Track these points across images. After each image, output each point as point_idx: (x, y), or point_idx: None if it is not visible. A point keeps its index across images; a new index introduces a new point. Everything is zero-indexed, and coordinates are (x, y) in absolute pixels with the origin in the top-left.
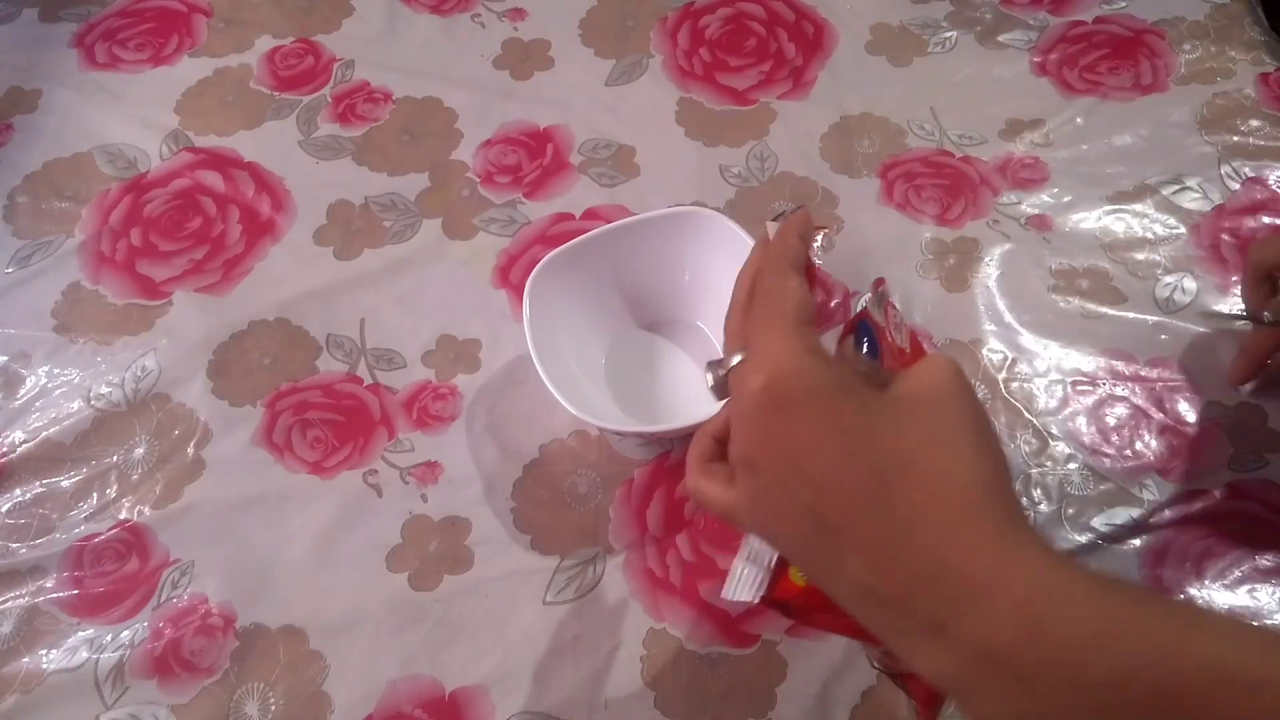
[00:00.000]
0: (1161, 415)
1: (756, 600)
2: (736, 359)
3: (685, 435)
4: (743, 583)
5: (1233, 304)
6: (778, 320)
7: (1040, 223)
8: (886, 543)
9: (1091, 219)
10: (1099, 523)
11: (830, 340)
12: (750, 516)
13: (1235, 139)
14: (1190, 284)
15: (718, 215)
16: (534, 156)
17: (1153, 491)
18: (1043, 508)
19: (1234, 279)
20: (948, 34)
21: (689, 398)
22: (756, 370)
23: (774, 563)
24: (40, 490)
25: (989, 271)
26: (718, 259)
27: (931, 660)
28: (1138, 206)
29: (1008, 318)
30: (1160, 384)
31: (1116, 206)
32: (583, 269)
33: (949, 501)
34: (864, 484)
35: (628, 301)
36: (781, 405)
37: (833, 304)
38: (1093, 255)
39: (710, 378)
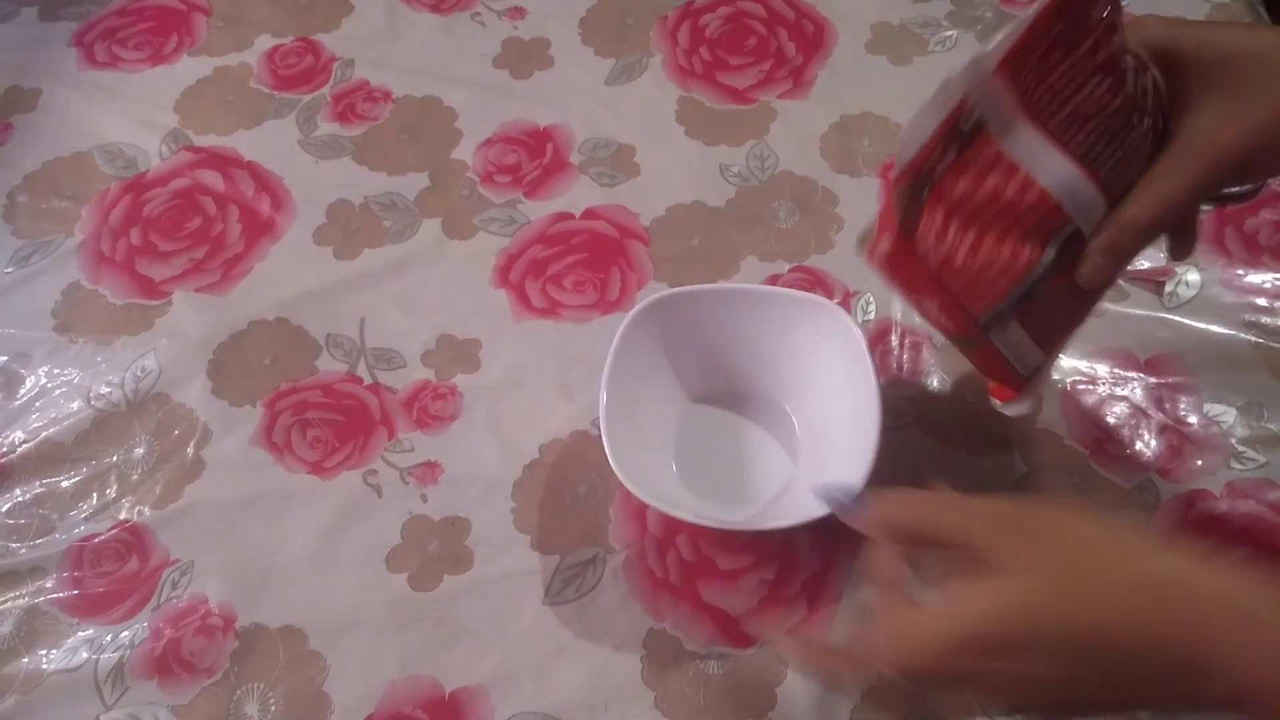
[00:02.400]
0: (1161, 415)
1: None
2: None
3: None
4: None
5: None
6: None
7: None
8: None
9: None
10: None
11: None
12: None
13: None
14: (1194, 277)
15: (840, 311)
16: (534, 156)
17: (1152, 491)
18: None
19: (1239, 271)
20: (948, 33)
21: (761, 480)
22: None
23: None
24: (40, 490)
25: None
26: (824, 349)
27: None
28: None
29: None
30: (1160, 383)
31: None
32: (679, 321)
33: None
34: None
35: (711, 367)
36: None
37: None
38: None
39: None
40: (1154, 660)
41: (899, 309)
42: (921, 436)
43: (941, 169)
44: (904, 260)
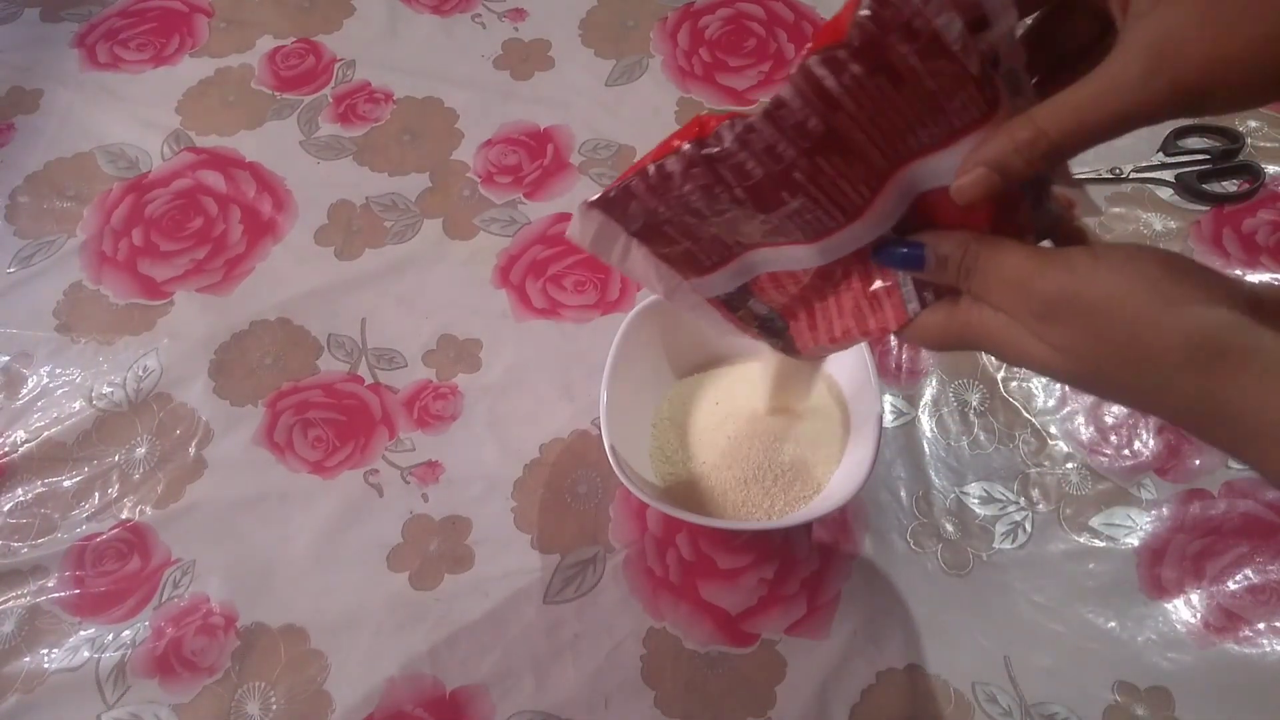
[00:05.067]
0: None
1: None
2: None
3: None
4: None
5: None
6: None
7: None
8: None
9: (1091, 216)
10: (1097, 522)
11: None
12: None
13: None
14: None
15: None
16: (534, 157)
17: (1150, 491)
18: (1041, 507)
19: (1237, 272)
20: None
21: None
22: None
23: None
24: (42, 490)
25: None
26: None
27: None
28: (1138, 204)
29: None
30: None
31: (1116, 205)
32: (679, 322)
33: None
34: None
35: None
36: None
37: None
38: None
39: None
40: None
41: None
42: (921, 434)
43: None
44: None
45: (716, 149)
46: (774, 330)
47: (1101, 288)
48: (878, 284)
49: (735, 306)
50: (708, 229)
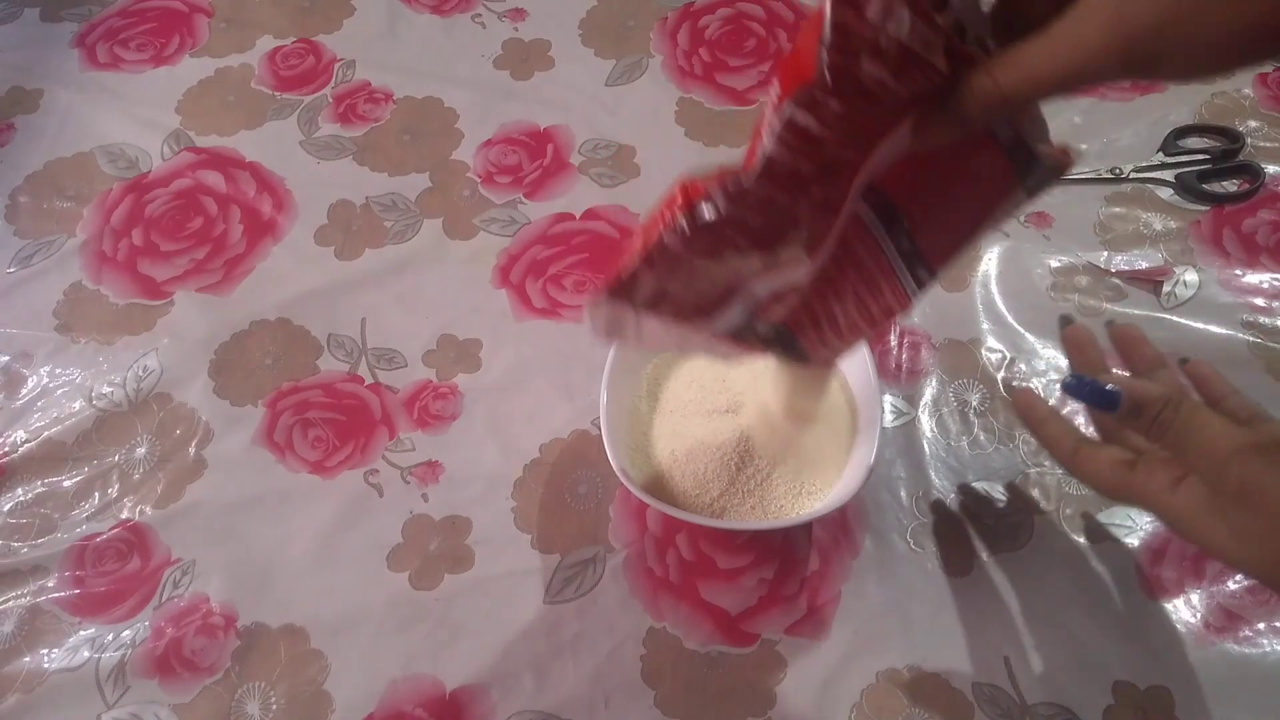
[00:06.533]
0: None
1: None
2: None
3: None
4: None
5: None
6: None
7: (1040, 219)
8: None
9: (1091, 216)
10: (1097, 522)
11: None
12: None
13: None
14: (1192, 277)
15: None
16: (534, 156)
17: None
18: (1042, 507)
19: (1237, 272)
20: None
21: None
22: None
23: None
24: (42, 490)
25: (988, 270)
26: None
27: None
28: (1138, 204)
29: (1007, 317)
30: None
31: (1116, 205)
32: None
33: None
34: None
35: None
36: None
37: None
38: (1092, 251)
39: None
40: None
41: None
42: (921, 434)
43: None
44: None
45: (714, 218)
46: (784, 343)
47: None
48: (875, 275)
49: (743, 334)
50: (712, 277)
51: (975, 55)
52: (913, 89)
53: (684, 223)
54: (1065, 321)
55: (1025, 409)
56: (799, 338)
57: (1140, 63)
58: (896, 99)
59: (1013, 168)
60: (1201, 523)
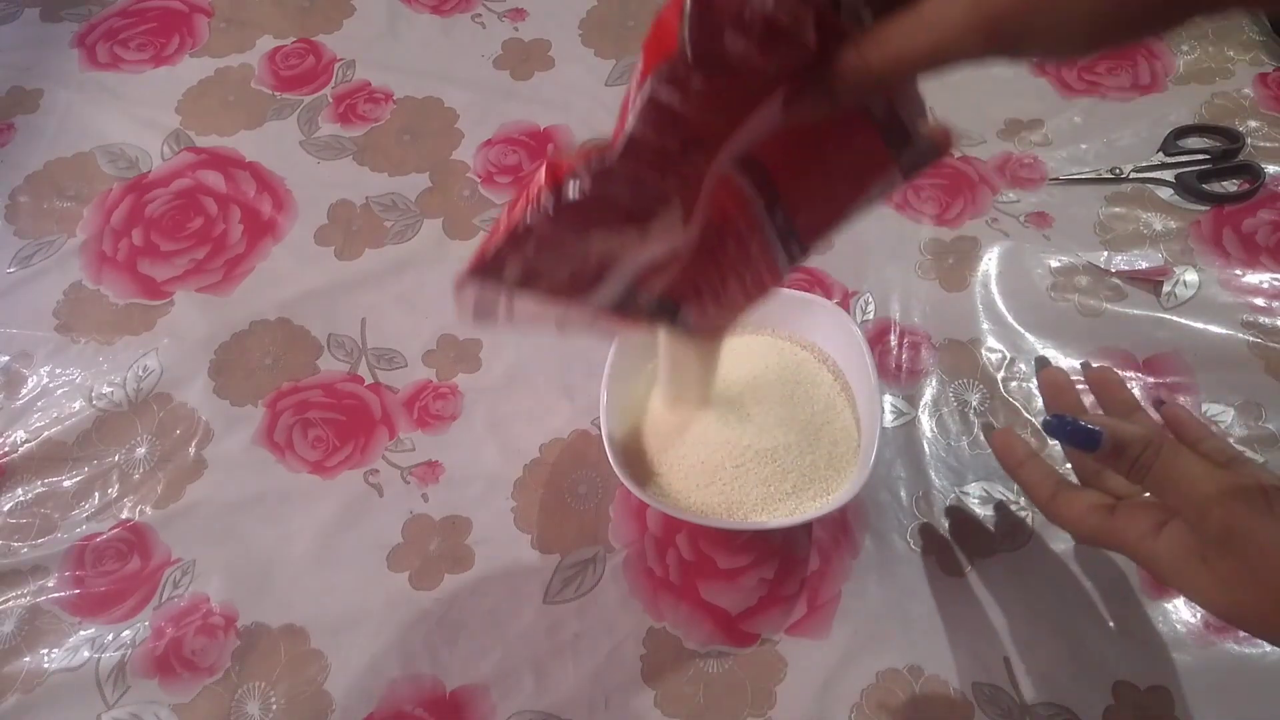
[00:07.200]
0: (1159, 416)
1: None
2: None
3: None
4: None
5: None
6: None
7: (1040, 219)
8: None
9: (1091, 216)
10: None
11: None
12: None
13: None
14: (1192, 277)
15: (840, 311)
16: (534, 157)
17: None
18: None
19: (1237, 272)
20: None
21: None
22: None
23: None
24: (42, 490)
25: (988, 270)
26: (824, 349)
27: None
28: (1137, 204)
29: (1007, 317)
30: (1158, 383)
31: (1116, 205)
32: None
33: None
34: None
35: None
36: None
37: (834, 301)
38: (1092, 251)
39: None
40: None
41: (898, 309)
42: (921, 434)
43: None
44: None
45: (578, 196)
46: (669, 315)
47: (1270, 534)
48: (752, 248)
49: (625, 307)
50: (584, 254)
51: (848, 29)
52: (780, 64)
53: (549, 201)
54: (1041, 363)
55: (1004, 451)
56: (682, 308)
57: (1005, 42)
58: (763, 74)
59: (886, 146)
60: (1184, 569)
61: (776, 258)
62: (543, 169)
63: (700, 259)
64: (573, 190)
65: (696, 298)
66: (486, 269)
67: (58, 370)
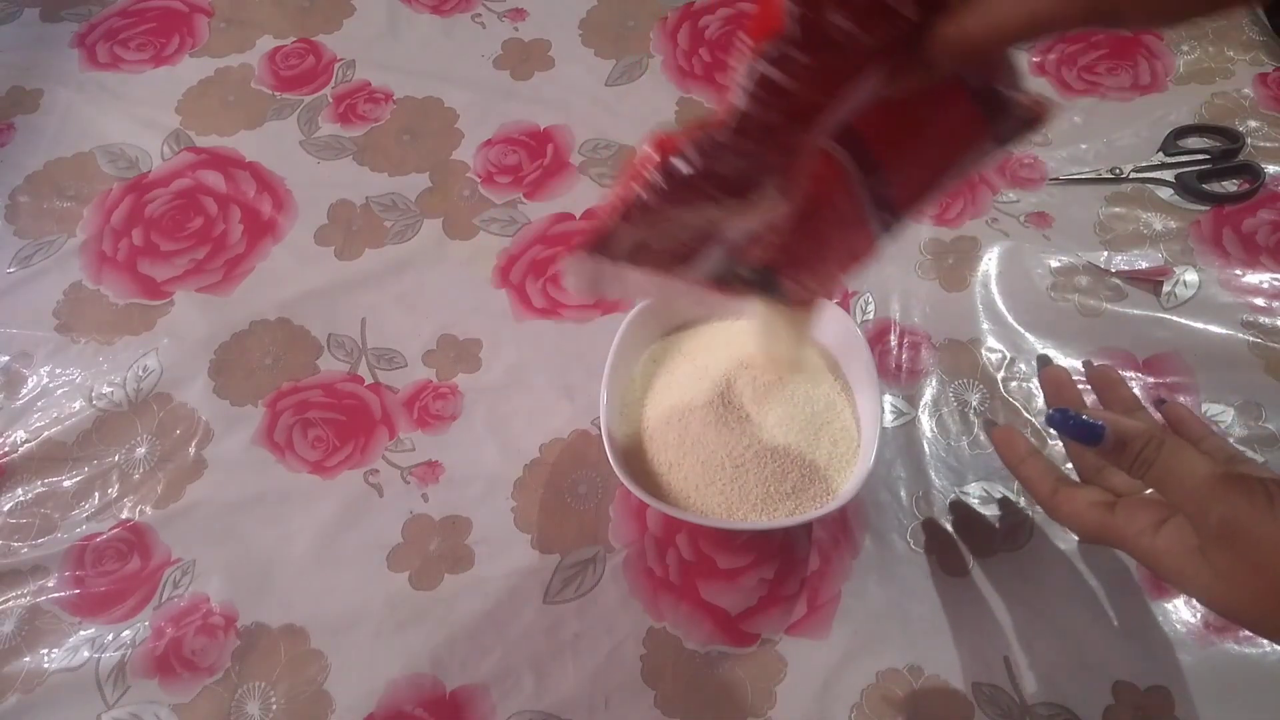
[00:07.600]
0: (1159, 415)
1: None
2: None
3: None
4: None
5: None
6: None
7: (1040, 219)
8: None
9: (1091, 216)
10: None
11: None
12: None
13: None
14: (1192, 277)
15: (840, 311)
16: (534, 156)
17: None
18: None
19: (1237, 272)
20: None
21: None
22: None
23: None
24: (42, 490)
25: (988, 270)
26: (825, 341)
27: None
28: (1138, 204)
29: (1007, 317)
30: (1158, 383)
31: (1116, 205)
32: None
33: None
34: None
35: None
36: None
37: (834, 300)
38: (1092, 251)
39: None
40: None
41: (898, 309)
42: (921, 434)
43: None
44: None
45: (689, 171)
46: (767, 285)
47: (1270, 529)
48: (848, 217)
49: (726, 279)
50: (688, 226)
51: (946, 0)
52: (881, 38)
53: (659, 178)
54: (1043, 361)
55: (1005, 447)
56: (779, 278)
57: (1103, 9)
58: (865, 48)
59: (983, 115)
60: (1184, 565)
61: (871, 228)
62: (651, 146)
63: (797, 230)
64: (682, 166)
65: (793, 268)
66: (601, 244)
67: (58, 370)
